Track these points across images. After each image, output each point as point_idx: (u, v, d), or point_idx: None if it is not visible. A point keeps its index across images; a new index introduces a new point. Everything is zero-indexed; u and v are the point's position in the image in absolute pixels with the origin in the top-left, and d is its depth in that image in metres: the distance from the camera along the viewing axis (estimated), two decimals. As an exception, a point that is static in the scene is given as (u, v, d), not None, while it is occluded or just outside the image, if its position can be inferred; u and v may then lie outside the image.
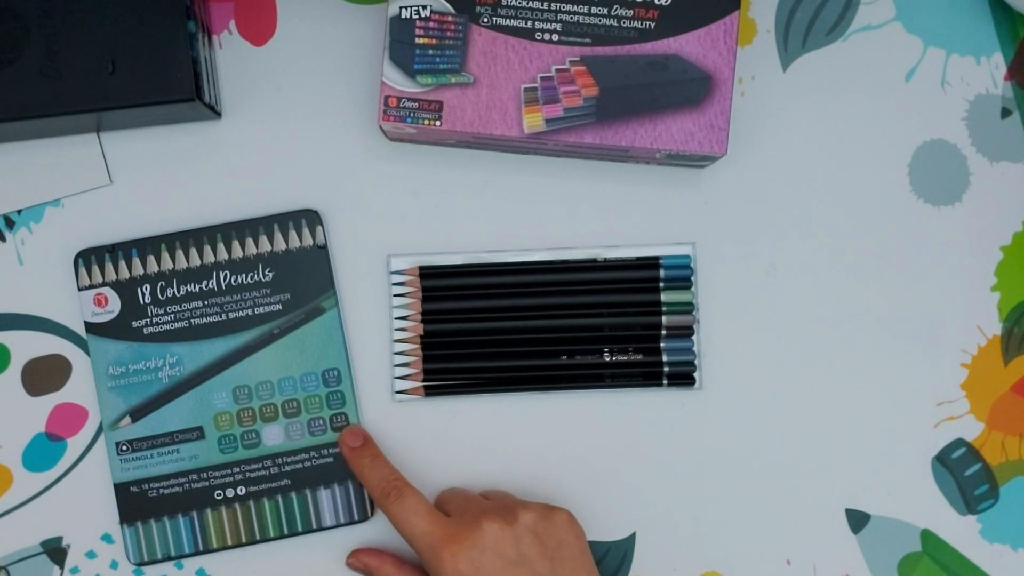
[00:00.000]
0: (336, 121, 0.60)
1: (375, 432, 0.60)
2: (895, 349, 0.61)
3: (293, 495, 0.59)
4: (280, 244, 0.59)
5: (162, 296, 0.59)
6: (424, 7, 0.55)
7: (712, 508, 0.61)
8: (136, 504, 0.59)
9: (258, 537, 0.59)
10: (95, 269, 0.59)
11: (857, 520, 0.61)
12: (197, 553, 0.59)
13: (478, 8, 0.55)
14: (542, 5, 0.56)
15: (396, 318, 0.60)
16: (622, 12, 0.56)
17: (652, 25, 0.56)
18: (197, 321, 0.59)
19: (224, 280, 0.59)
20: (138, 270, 0.59)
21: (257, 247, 0.59)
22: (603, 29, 0.56)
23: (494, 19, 0.56)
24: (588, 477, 0.60)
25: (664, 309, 0.60)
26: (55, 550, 0.60)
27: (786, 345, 0.61)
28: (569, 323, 0.60)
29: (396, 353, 0.60)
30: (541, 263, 0.60)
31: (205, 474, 0.59)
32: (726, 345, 0.61)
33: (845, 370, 0.61)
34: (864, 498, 0.61)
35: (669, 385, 0.60)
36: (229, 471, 0.59)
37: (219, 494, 0.59)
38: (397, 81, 0.56)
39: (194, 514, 0.59)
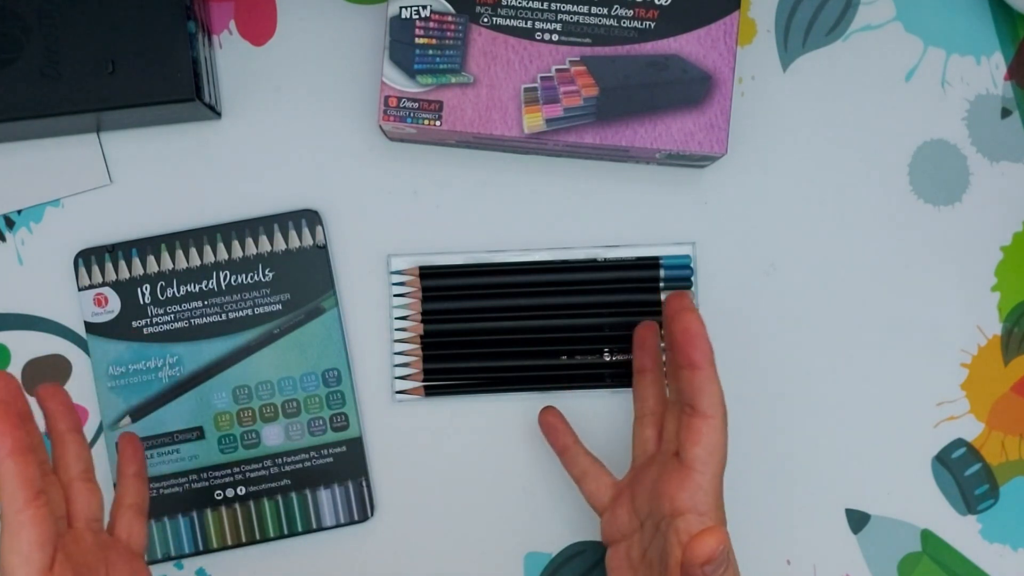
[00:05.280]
0: (336, 121, 0.60)
1: (375, 431, 0.60)
2: (895, 349, 0.61)
3: (293, 495, 0.59)
4: (280, 244, 0.59)
5: (162, 296, 0.59)
6: (424, 7, 0.55)
7: (712, 508, 0.61)
8: (136, 504, 0.59)
9: (258, 537, 0.59)
10: (95, 269, 0.59)
11: (857, 520, 0.61)
12: (197, 553, 0.59)
13: (478, 8, 0.55)
14: (542, 5, 0.56)
15: (396, 318, 0.60)
16: (622, 12, 0.56)
17: (652, 25, 0.56)
18: (197, 321, 0.59)
19: (224, 280, 0.59)
20: (138, 270, 0.59)
21: (257, 247, 0.59)
22: (603, 29, 0.56)
23: (494, 19, 0.56)
24: (588, 477, 0.60)
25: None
26: (55, 550, 0.60)
27: (786, 345, 0.61)
28: (569, 323, 0.60)
29: (396, 353, 0.60)
30: (541, 263, 0.60)
31: (205, 474, 0.59)
32: (726, 345, 0.61)
33: (845, 370, 0.61)
34: (864, 498, 0.61)
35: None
36: (229, 471, 0.59)
37: (219, 494, 0.59)
38: (397, 81, 0.56)
39: (194, 514, 0.59)
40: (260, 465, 0.59)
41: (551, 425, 0.57)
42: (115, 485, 0.52)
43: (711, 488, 0.48)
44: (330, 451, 0.60)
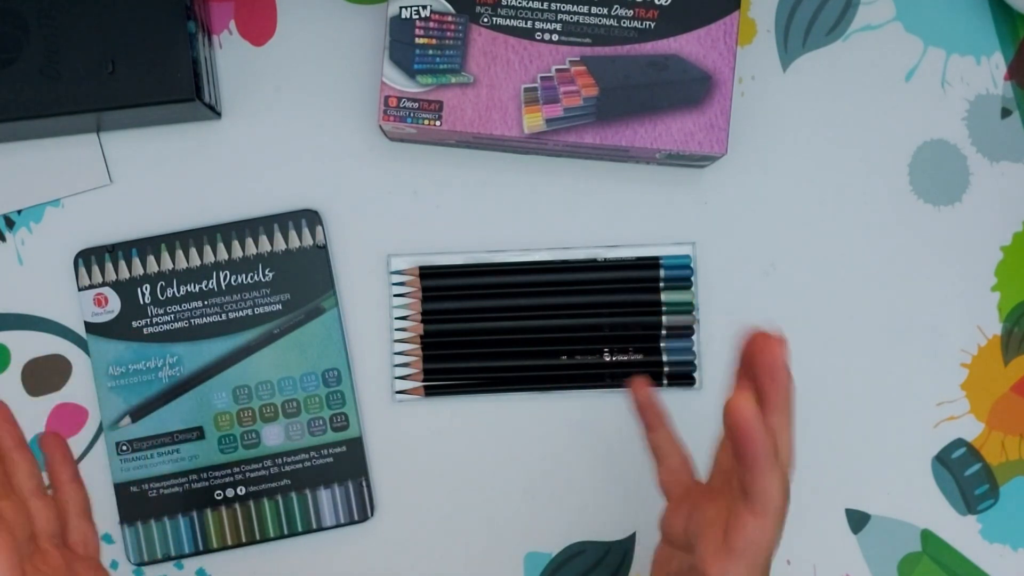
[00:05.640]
0: (336, 121, 0.60)
1: (375, 431, 0.60)
2: (895, 349, 0.61)
3: (293, 495, 0.59)
4: (280, 244, 0.59)
5: (162, 296, 0.59)
6: (424, 7, 0.55)
7: (712, 508, 0.61)
8: (136, 504, 0.59)
9: (258, 537, 0.59)
10: (95, 269, 0.59)
11: (857, 520, 0.61)
12: (197, 553, 0.59)
13: (478, 8, 0.55)
14: (542, 5, 0.56)
15: (396, 318, 0.60)
16: (622, 12, 0.56)
17: (652, 25, 0.56)
18: (197, 321, 0.59)
19: (224, 280, 0.59)
20: (138, 270, 0.59)
21: (257, 247, 0.59)
22: (603, 29, 0.56)
23: (494, 19, 0.56)
24: (588, 477, 0.60)
25: (664, 309, 0.60)
26: (55, 550, 0.60)
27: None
28: (569, 323, 0.60)
29: (396, 353, 0.60)
30: (541, 263, 0.60)
31: (205, 474, 0.59)
32: (726, 345, 0.61)
33: (845, 370, 0.61)
34: (864, 498, 0.61)
35: (669, 385, 0.60)
36: (229, 471, 0.59)
37: (219, 494, 0.59)
38: (397, 81, 0.56)
39: (194, 514, 0.59)
40: (260, 465, 0.59)
41: (641, 402, 0.52)
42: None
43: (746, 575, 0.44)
44: (330, 451, 0.60)
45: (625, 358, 0.60)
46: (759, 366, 0.43)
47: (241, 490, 0.59)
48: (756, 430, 0.41)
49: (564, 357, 0.60)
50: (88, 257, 0.59)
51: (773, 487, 0.42)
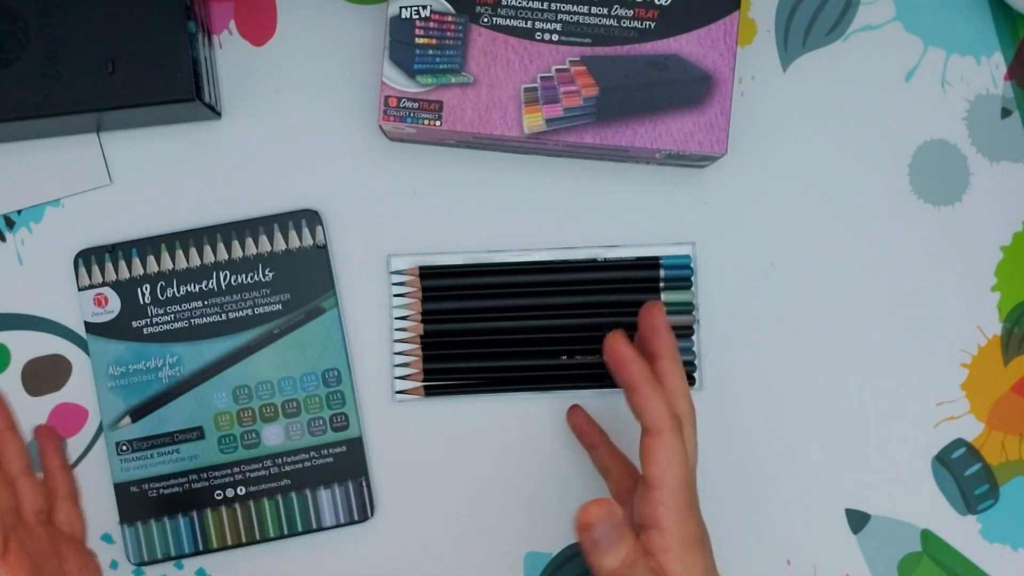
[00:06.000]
0: (336, 121, 0.60)
1: (375, 431, 0.60)
2: (895, 349, 0.61)
3: (293, 495, 0.59)
4: (280, 244, 0.59)
5: (162, 296, 0.59)
6: (424, 7, 0.55)
7: (712, 508, 0.61)
8: (136, 504, 0.59)
9: (258, 537, 0.59)
10: (95, 269, 0.59)
11: (857, 520, 0.61)
12: (197, 553, 0.59)
13: (478, 8, 0.55)
14: (542, 5, 0.56)
15: (396, 318, 0.60)
16: (622, 12, 0.56)
17: (652, 25, 0.56)
18: (197, 321, 0.59)
19: (224, 280, 0.59)
20: (138, 270, 0.59)
21: (257, 247, 0.59)
22: (603, 29, 0.56)
23: (494, 19, 0.56)
24: (589, 477, 0.60)
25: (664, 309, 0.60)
26: (55, 550, 0.60)
27: (786, 345, 0.61)
28: (569, 323, 0.60)
29: (396, 353, 0.60)
30: (541, 263, 0.60)
31: (205, 474, 0.59)
32: (726, 345, 0.61)
33: (845, 370, 0.61)
34: (864, 498, 0.61)
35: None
36: (229, 471, 0.59)
37: (219, 494, 0.59)
38: (397, 81, 0.56)
39: (194, 514, 0.59)
40: (260, 465, 0.59)
41: (577, 427, 0.58)
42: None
43: (672, 502, 0.47)
44: (330, 451, 0.60)
45: (625, 358, 0.60)
46: (643, 325, 0.50)
47: (241, 490, 0.59)
48: (630, 359, 0.46)
49: (564, 357, 0.60)
50: (88, 257, 0.59)
51: (658, 404, 0.47)
